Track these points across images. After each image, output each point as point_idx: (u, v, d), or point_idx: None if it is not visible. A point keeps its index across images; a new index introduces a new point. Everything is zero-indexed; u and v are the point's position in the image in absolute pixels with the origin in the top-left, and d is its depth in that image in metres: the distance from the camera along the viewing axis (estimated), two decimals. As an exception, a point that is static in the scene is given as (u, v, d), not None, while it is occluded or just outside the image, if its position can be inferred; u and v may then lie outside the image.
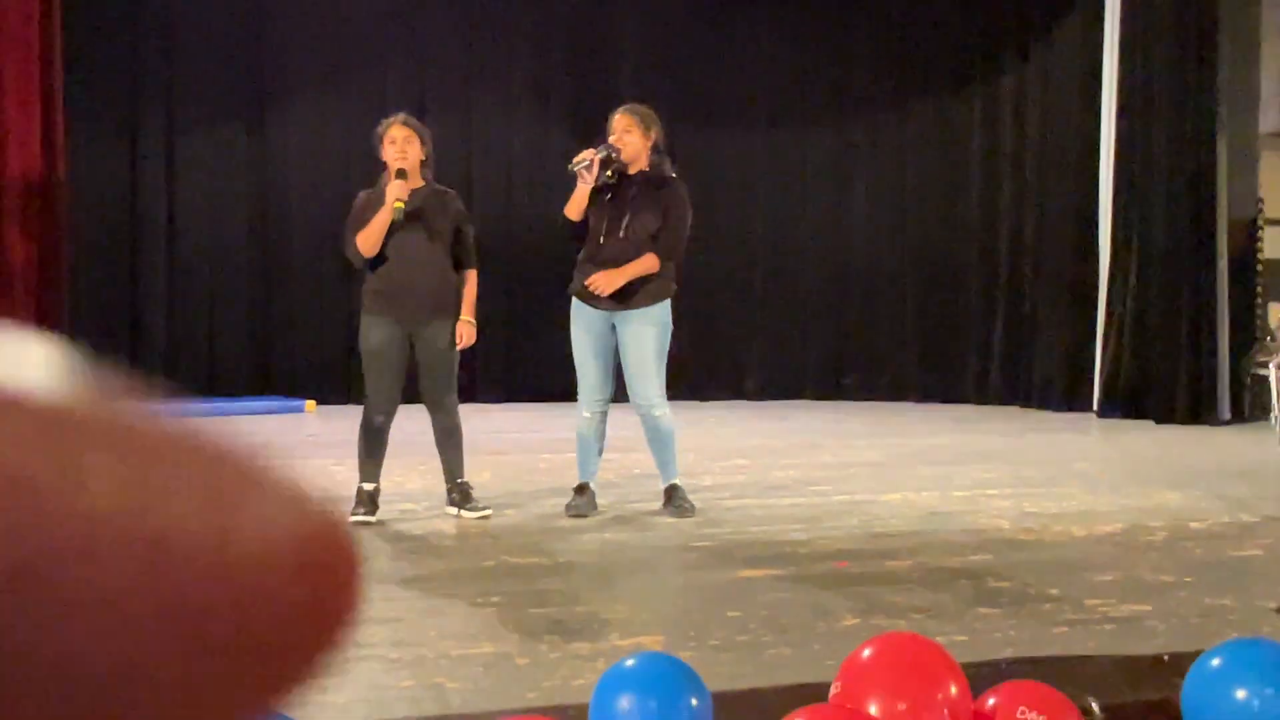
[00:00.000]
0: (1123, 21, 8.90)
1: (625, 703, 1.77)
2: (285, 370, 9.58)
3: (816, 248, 10.70)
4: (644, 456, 6.00)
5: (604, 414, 4.41)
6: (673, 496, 4.39)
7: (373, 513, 4.24)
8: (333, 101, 9.68)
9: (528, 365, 10.15)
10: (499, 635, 2.76)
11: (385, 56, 9.78)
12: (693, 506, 4.34)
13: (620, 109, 4.42)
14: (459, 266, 4.37)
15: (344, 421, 8.19)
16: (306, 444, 6.80)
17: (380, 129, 4.27)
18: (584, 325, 4.38)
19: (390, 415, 4.26)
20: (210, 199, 9.46)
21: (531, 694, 2.31)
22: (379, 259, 4.19)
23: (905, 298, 10.58)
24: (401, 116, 4.30)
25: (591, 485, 4.49)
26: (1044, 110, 9.70)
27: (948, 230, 10.38)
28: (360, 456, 4.28)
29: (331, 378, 9.61)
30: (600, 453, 4.48)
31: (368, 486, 4.27)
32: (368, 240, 4.14)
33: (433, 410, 4.31)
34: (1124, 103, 8.88)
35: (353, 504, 4.26)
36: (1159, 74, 8.59)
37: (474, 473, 5.37)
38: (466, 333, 4.31)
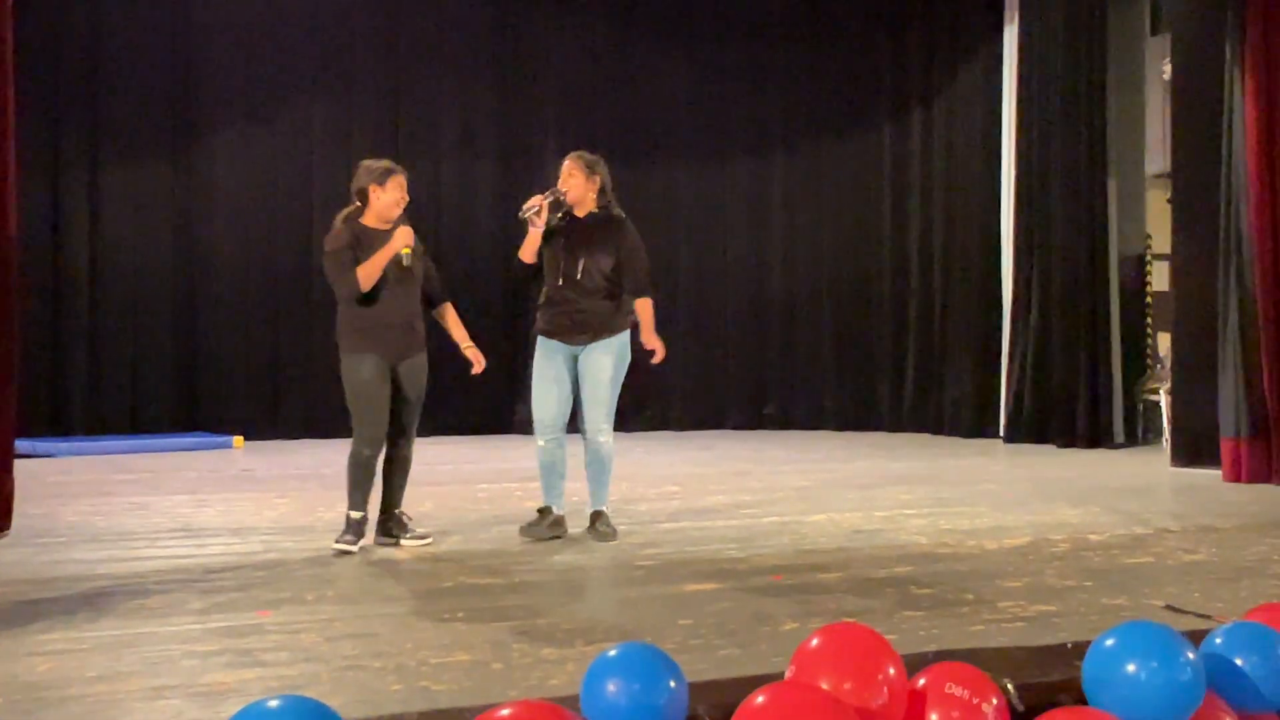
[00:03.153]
0: (1019, 69, 9.54)
1: (613, 686, 2.04)
2: (211, 406, 9.59)
3: (737, 281, 11.11)
4: (585, 486, 6.29)
5: (559, 441, 4.65)
6: (597, 521, 4.63)
7: (357, 541, 4.37)
8: (259, 135, 9.79)
9: (455, 400, 10.32)
10: (471, 645, 3.01)
11: (312, 90, 9.93)
12: (615, 533, 4.58)
13: (569, 156, 4.75)
14: (433, 302, 4.67)
15: (276, 456, 8.34)
16: (242, 480, 6.90)
17: (385, 169, 4.44)
18: (548, 361, 4.64)
19: (381, 446, 4.43)
20: (134, 232, 9.47)
21: (513, 692, 2.56)
22: (365, 298, 4.37)
23: (821, 330, 11.03)
24: (399, 167, 4.52)
25: (555, 508, 4.68)
26: (949, 150, 10.28)
27: (861, 264, 10.88)
28: (351, 487, 4.42)
29: (259, 413, 9.66)
30: (563, 477, 4.70)
31: (356, 515, 4.41)
32: (370, 277, 4.34)
33: (401, 439, 4.52)
34: (1021, 146, 9.50)
35: (342, 531, 4.39)
36: (1053, 120, 9.23)
37: (415, 503, 5.58)
38: (478, 356, 4.68)
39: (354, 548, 4.36)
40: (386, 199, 4.45)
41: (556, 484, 4.69)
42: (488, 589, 3.75)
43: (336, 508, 5.53)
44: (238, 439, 9.09)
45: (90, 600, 3.54)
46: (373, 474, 4.45)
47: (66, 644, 3.00)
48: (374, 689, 2.62)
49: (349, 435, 4.48)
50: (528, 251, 4.61)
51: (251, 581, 3.84)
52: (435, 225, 10.28)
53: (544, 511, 4.69)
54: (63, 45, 9.27)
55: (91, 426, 9.18)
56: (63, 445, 8.38)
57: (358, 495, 4.42)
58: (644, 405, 10.77)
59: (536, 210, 4.54)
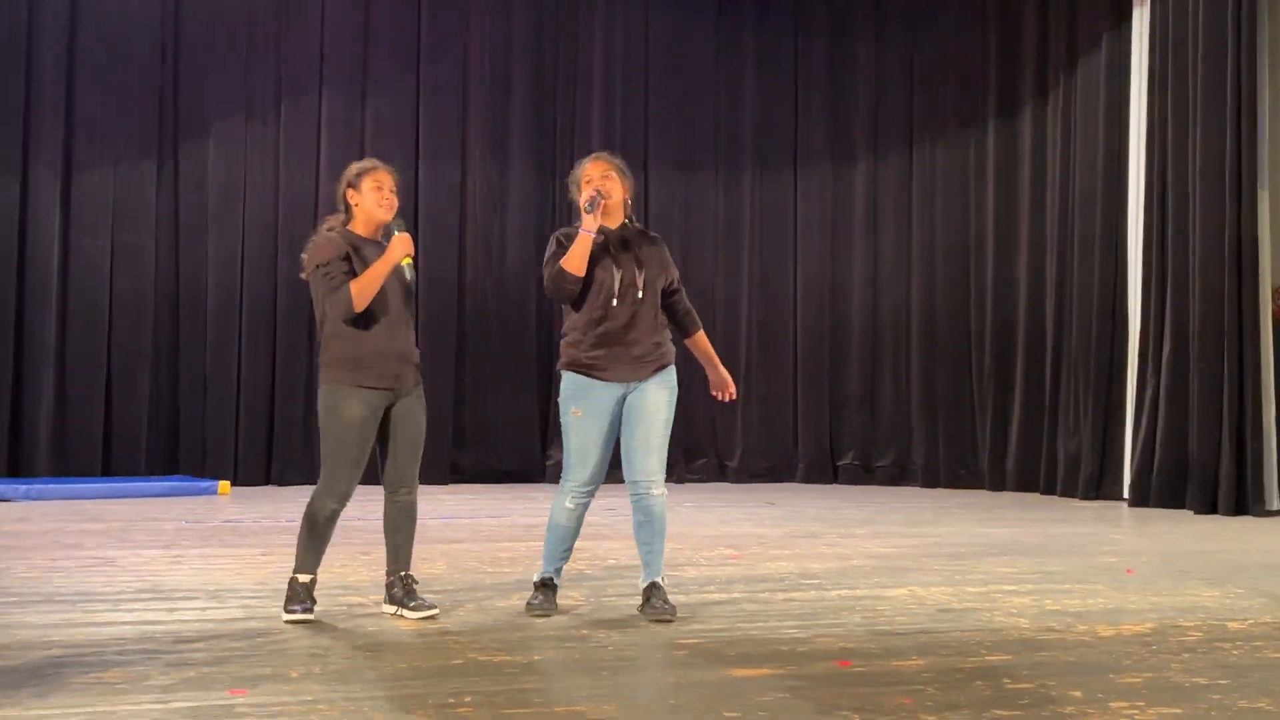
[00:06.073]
0: (1150, 60, 9.43)
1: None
2: (195, 446, 9.74)
3: (810, 308, 11.08)
4: (619, 545, 6.28)
5: (588, 504, 4.62)
6: (653, 596, 4.58)
7: (311, 609, 4.40)
8: (259, 137, 9.98)
9: (476, 443, 10.38)
10: (477, 736, 3.00)
11: (321, 87, 10.11)
12: (673, 610, 4.55)
13: (592, 157, 4.73)
14: None
15: (265, 505, 8.45)
16: (226, 532, 6.98)
17: (358, 169, 4.51)
18: (592, 404, 4.54)
19: (346, 502, 4.42)
20: (111, 245, 9.68)
21: (521, 794, 2.55)
22: (358, 320, 4.37)
23: (910, 367, 10.94)
24: (382, 163, 4.54)
25: (556, 579, 4.67)
26: (1065, 157, 10.19)
27: (958, 290, 10.79)
28: (301, 545, 4.42)
29: (249, 455, 9.79)
30: (573, 546, 4.67)
31: (304, 578, 4.42)
32: (364, 293, 4.31)
33: (398, 487, 4.51)
34: (1153, 152, 9.37)
35: (286, 599, 4.42)
36: (1192, 121, 9.07)
37: (427, 564, 5.62)
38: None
39: (310, 615, 4.37)
40: (367, 202, 4.47)
41: (565, 552, 4.67)
42: (502, 669, 3.75)
43: (332, 568, 5.56)
44: (224, 484, 9.22)
45: (39, 672, 3.59)
46: (330, 533, 4.45)
47: (8, 722, 3.05)
48: (358, 786, 2.62)
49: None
50: (578, 262, 4.46)
51: (227, 654, 3.87)
52: (458, 242, 10.40)
53: (547, 583, 4.64)
54: (35, 30, 9.53)
55: (57, 467, 9.35)
56: (22, 488, 8.54)
57: (311, 556, 4.41)
58: (697, 453, 10.75)
59: (601, 202, 4.47)
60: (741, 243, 11.05)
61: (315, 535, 4.42)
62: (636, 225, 4.72)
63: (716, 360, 4.82)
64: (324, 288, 4.38)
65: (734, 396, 4.86)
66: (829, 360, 11.06)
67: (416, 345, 4.60)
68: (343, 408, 4.36)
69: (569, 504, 4.59)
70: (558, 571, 4.68)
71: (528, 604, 4.62)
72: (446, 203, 10.38)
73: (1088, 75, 10.05)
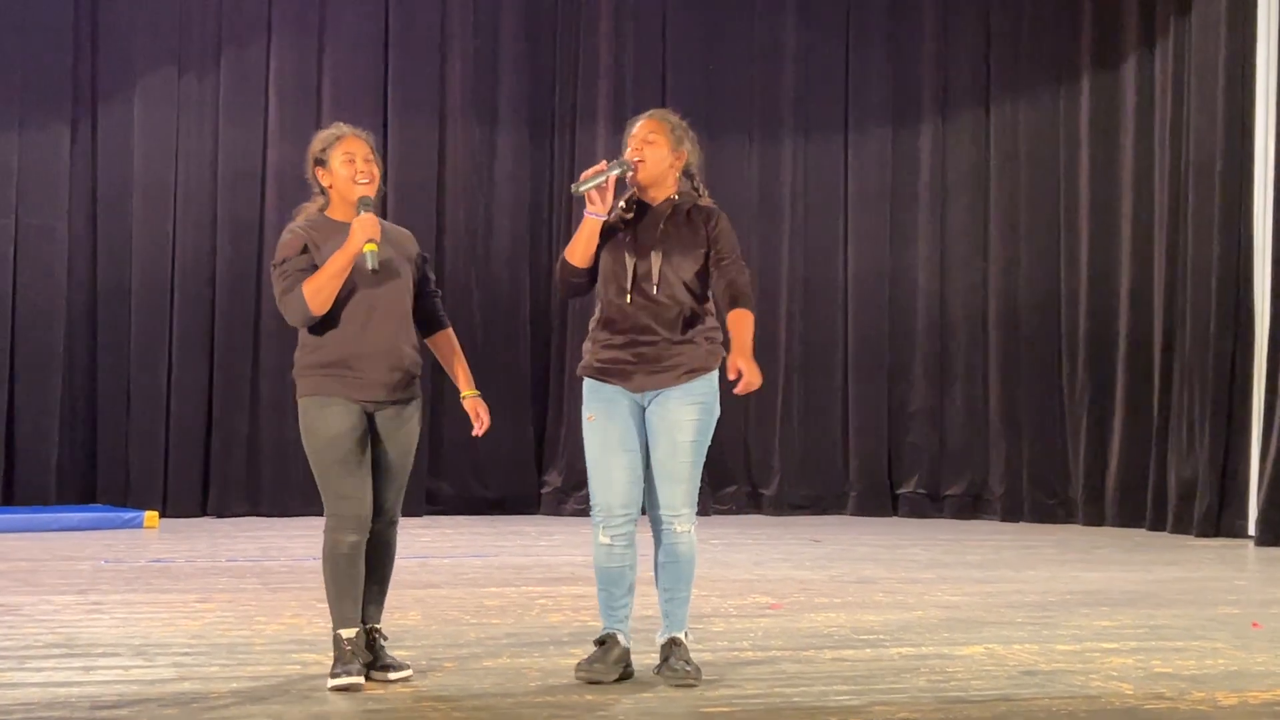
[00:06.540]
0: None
1: None
2: (116, 470, 9.75)
3: (863, 301, 11.06)
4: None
5: (630, 537, 4.56)
6: (672, 654, 4.57)
7: (361, 670, 4.34)
8: (195, 95, 9.98)
9: (457, 467, 10.37)
10: (457, 827, 2.98)
11: (270, 33, 10.12)
12: (697, 671, 4.55)
13: (644, 115, 4.71)
14: (430, 327, 4.71)
15: (202, 542, 8.47)
16: (153, 575, 6.99)
17: (323, 141, 4.51)
18: (606, 411, 4.57)
19: (367, 527, 4.41)
20: (15, 227, 9.68)
21: None
22: (326, 320, 4.38)
23: (987, 374, 10.91)
24: (351, 129, 4.54)
25: (622, 637, 4.59)
26: (1176, 119, 10.14)
27: (1046, 280, 10.76)
28: (330, 595, 4.42)
29: (181, 480, 9.79)
30: (631, 591, 4.61)
31: (348, 633, 4.38)
32: (320, 292, 4.32)
33: (377, 518, 4.48)
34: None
35: (333, 661, 4.37)
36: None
37: (398, 614, 5.61)
38: (484, 411, 4.75)
39: (359, 679, 4.32)
40: (339, 180, 4.47)
41: (622, 600, 4.61)
42: (487, 744, 3.74)
43: (283, 618, 5.56)
44: (150, 515, 9.22)
45: (-74, 745, 3.59)
46: (359, 569, 4.42)
47: (-114, 808, 3.04)
48: None
49: (304, 512, 4.50)
50: (582, 250, 4.53)
51: (153, 723, 3.88)
52: (434, 223, 10.39)
53: (606, 641, 4.58)
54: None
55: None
56: (-92, 521, 8.56)
57: (345, 604, 4.39)
58: (725, 479, 10.73)
59: (600, 183, 4.47)
60: (780, 222, 11.03)
61: (342, 578, 4.39)
62: (694, 201, 4.67)
63: (741, 346, 4.48)
64: (279, 290, 4.42)
65: (749, 388, 4.40)
66: (887, 365, 11.04)
67: (416, 348, 4.59)
68: (323, 423, 4.38)
69: (604, 539, 4.56)
70: (622, 623, 4.59)
71: (578, 665, 4.57)
72: (420, 174, 10.37)
73: (1205, 18, 10.00)
